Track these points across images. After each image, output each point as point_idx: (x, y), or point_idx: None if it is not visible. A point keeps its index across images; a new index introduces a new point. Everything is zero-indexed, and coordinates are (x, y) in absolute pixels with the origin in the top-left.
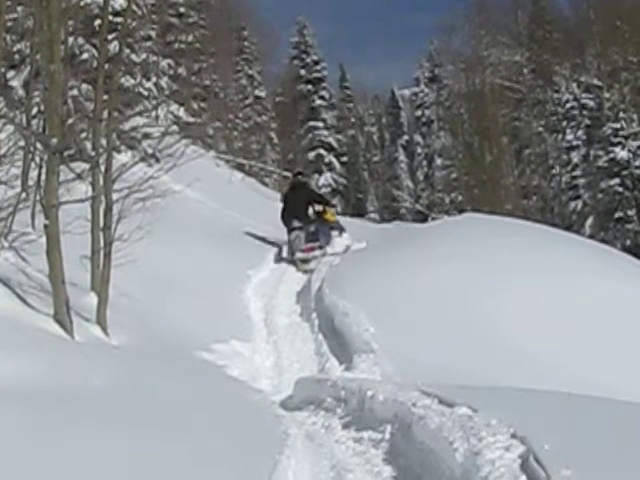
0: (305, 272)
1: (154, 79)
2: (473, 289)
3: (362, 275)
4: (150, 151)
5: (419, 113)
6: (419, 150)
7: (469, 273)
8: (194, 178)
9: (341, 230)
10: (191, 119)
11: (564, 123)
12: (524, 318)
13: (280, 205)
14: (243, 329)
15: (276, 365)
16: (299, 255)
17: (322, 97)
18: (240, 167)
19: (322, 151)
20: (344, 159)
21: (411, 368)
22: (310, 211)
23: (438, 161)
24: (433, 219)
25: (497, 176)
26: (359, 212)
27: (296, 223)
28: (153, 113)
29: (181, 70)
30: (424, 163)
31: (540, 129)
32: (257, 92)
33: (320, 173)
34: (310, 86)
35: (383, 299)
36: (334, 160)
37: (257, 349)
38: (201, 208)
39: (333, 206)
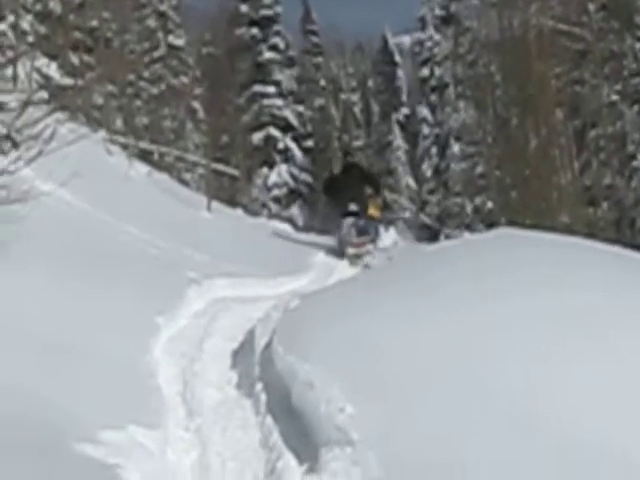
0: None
1: (11, 18)
2: (508, 345)
3: (334, 323)
4: (3, 131)
5: (426, 73)
6: (426, 130)
7: (502, 321)
8: (72, 173)
9: (387, 226)
10: (68, 81)
11: None
12: (595, 393)
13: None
14: (148, 408)
15: (200, 465)
16: (351, 251)
17: (274, 47)
18: (145, 156)
19: (274, 131)
20: (308, 144)
21: (409, 469)
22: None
23: (455, 147)
24: (447, 237)
25: (547, 171)
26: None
27: (353, 207)
28: (9, 71)
29: (53, 4)
30: (433, 151)
31: (615, 97)
32: (172, 39)
33: (271, 166)
34: (256, 30)
35: (367, 361)
36: (293, 146)
37: (170, 440)
38: (82, 220)
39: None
